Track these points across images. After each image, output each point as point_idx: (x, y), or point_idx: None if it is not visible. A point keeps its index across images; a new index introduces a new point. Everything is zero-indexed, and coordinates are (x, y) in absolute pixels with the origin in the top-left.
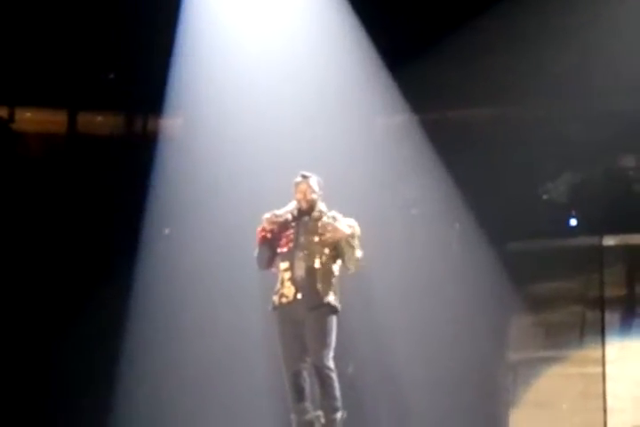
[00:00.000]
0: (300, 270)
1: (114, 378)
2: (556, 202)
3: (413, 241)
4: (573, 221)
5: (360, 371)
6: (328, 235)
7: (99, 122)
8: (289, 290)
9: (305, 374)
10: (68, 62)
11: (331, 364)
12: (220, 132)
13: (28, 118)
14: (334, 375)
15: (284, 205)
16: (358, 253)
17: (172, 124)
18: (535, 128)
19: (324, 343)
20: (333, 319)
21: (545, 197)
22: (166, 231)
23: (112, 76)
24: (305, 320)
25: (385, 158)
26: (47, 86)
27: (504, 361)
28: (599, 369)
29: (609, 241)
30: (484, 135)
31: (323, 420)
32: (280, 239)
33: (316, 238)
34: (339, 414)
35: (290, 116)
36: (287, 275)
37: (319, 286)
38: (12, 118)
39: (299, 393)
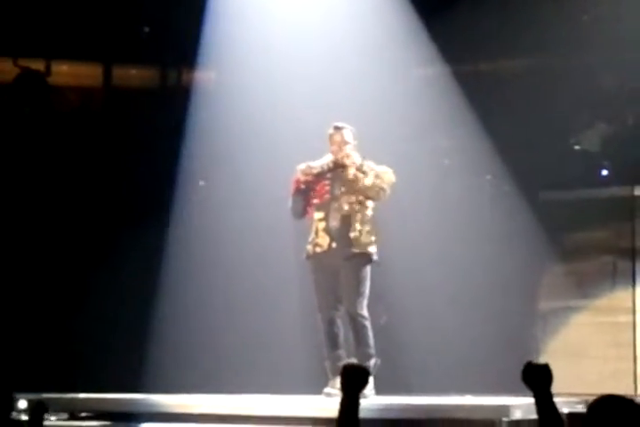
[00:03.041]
0: (335, 221)
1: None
2: (588, 152)
3: (446, 191)
4: (605, 171)
5: (393, 321)
6: (345, 160)
7: (133, 75)
8: (323, 240)
9: (339, 322)
10: (104, 16)
11: (364, 312)
12: (253, 86)
13: (65, 71)
14: (368, 323)
15: (320, 157)
16: (373, 180)
17: (206, 77)
18: (567, 78)
19: (358, 292)
20: (367, 269)
21: (577, 147)
22: (201, 183)
23: (147, 29)
24: (339, 269)
25: (419, 109)
26: (83, 40)
27: (534, 310)
28: (630, 318)
29: None
30: (516, 86)
31: None
32: (315, 190)
33: (351, 189)
34: (372, 362)
35: (325, 69)
36: (322, 225)
37: (353, 235)
38: (48, 71)
39: (333, 341)
